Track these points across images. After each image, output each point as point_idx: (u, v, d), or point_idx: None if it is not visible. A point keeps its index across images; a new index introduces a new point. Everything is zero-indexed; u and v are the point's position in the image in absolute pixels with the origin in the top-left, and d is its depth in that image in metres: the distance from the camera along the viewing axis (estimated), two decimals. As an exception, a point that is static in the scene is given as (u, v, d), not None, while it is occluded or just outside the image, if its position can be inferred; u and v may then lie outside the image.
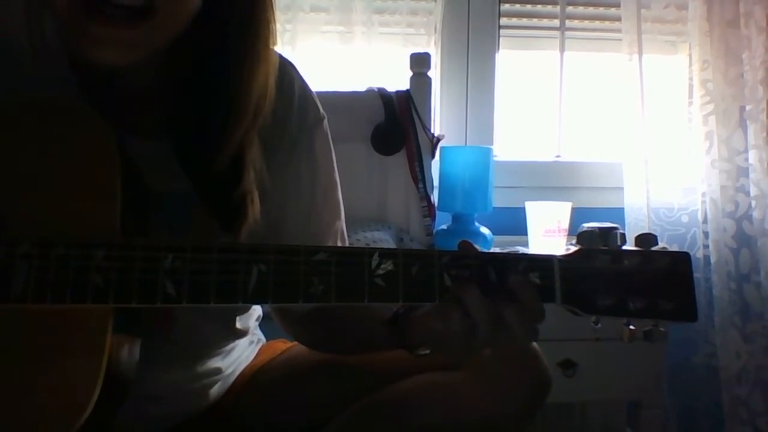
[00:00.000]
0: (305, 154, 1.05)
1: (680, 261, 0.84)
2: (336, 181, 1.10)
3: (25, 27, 0.89)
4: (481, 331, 0.79)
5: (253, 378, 1.16)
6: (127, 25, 0.78)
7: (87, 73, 0.90)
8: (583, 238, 0.85)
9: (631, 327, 0.84)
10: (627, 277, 0.83)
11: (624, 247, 0.85)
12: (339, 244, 1.10)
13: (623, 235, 0.84)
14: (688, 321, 0.82)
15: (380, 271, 0.80)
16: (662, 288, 0.82)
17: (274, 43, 0.93)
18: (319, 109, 1.08)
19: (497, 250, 1.98)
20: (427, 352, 0.93)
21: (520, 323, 0.80)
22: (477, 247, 0.84)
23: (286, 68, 1.04)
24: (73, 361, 0.76)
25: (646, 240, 0.84)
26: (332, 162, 1.10)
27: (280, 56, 1.04)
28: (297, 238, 1.03)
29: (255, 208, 0.93)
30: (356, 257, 0.80)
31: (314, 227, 1.06)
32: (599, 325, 0.84)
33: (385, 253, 0.80)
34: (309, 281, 0.78)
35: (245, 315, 1.14)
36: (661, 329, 0.83)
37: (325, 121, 1.08)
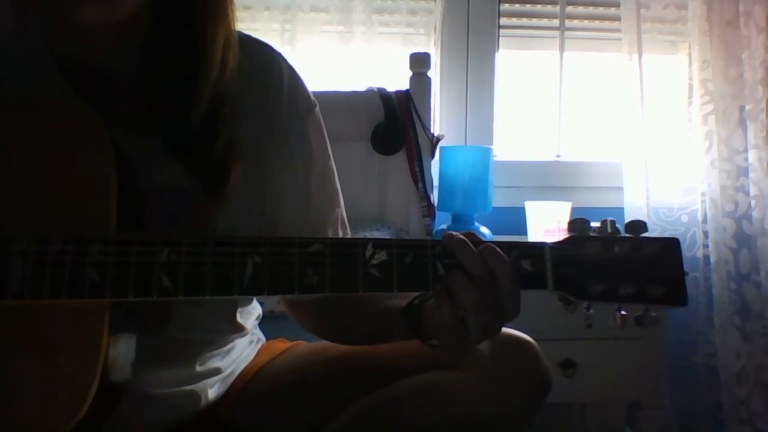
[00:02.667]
0: (299, 143, 1.05)
1: (670, 247, 0.84)
2: (332, 168, 1.10)
3: (10, 23, 0.90)
4: (470, 319, 0.80)
5: (253, 379, 1.15)
6: None
7: (73, 68, 0.90)
8: (574, 225, 0.86)
9: (623, 313, 0.84)
10: (618, 264, 0.83)
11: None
12: (340, 231, 1.10)
13: (613, 223, 0.85)
14: (678, 305, 0.83)
15: (374, 261, 0.80)
16: (652, 273, 0.83)
17: (233, 5, 0.96)
18: (309, 97, 1.07)
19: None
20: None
21: (502, 304, 0.81)
22: (456, 234, 0.84)
23: (274, 57, 1.05)
24: (69, 358, 0.76)
25: (636, 227, 0.85)
26: (327, 149, 1.10)
27: (268, 46, 1.05)
28: (296, 228, 1.04)
29: (236, 169, 0.93)
30: (350, 248, 0.80)
31: (313, 216, 1.06)
32: (591, 311, 0.84)
33: (379, 244, 0.81)
34: (304, 272, 0.79)
35: (245, 310, 1.14)
36: (652, 314, 0.83)
37: (317, 108, 1.08)
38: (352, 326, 1.09)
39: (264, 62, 1.03)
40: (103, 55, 0.90)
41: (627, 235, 0.85)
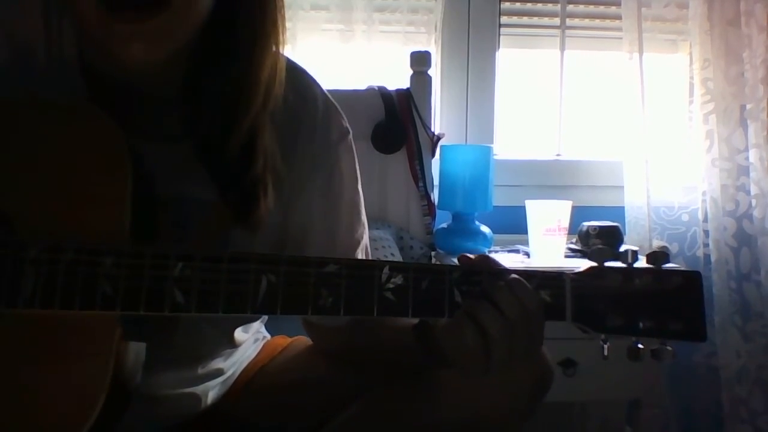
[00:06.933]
0: (330, 172, 1.05)
1: (692, 281, 0.83)
2: (361, 198, 1.10)
3: (43, 36, 0.90)
4: (498, 347, 0.79)
5: (254, 379, 1.16)
6: (146, 18, 0.80)
7: (102, 83, 0.90)
8: (595, 254, 0.84)
9: (640, 345, 0.83)
10: (638, 297, 0.82)
11: (635, 265, 0.84)
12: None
13: (635, 253, 0.83)
14: (697, 341, 0.82)
15: (390, 285, 0.79)
16: (672, 308, 0.82)
17: (284, 30, 0.96)
18: (343, 124, 1.07)
19: (497, 248, 1.99)
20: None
21: (532, 336, 0.81)
22: (470, 256, 0.84)
23: (309, 84, 1.05)
24: (80, 365, 0.76)
25: (657, 257, 0.83)
26: (356, 178, 1.09)
27: (304, 71, 1.05)
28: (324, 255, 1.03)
29: (268, 200, 0.93)
30: (366, 270, 0.80)
31: (340, 245, 1.05)
32: (608, 343, 0.83)
33: (396, 267, 0.80)
34: (318, 293, 0.78)
35: (248, 325, 1.14)
36: (669, 348, 0.82)
37: (350, 136, 1.08)
38: (366, 351, 1.08)
39: (298, 89, 1.02)
40: (141, 76, 0.90)
41: (648, 266, 0.83)
